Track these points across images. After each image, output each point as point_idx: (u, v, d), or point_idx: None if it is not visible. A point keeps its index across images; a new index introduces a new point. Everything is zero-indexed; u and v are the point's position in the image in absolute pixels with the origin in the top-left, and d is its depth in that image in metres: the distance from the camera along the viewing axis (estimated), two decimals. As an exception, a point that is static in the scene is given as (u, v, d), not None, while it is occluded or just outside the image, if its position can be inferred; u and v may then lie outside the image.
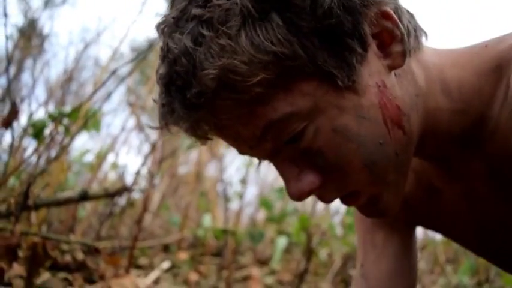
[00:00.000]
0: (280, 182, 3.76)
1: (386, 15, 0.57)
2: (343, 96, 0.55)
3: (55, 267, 1.55)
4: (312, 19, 0.52)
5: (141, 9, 2.21)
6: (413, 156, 0.65)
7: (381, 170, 0.58)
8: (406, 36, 0.58)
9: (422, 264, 2.96)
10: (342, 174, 0.58)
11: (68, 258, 1.65)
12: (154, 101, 0.59)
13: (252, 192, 3.51)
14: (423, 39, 0.65)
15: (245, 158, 3.00)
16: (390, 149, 0.58)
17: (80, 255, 1.69)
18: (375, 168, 0.58)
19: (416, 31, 0.63)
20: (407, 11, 0.63)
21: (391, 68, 0.58)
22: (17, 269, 1.30)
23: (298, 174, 0.58)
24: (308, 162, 0.58)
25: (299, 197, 0.59)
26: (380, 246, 0.84)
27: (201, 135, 0.59)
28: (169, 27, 0.55)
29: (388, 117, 0.57)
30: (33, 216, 1.63)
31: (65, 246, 1.73)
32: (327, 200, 0.62)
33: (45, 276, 1.41)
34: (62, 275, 1.53)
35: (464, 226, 0.76)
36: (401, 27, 0.58)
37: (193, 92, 0.52)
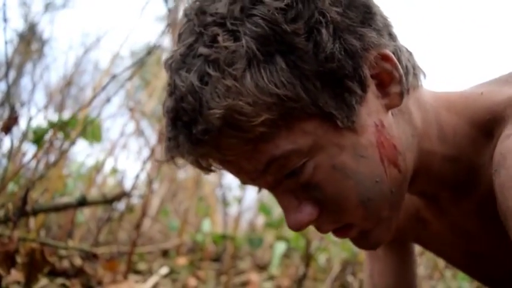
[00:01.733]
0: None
1: (385, 58, 0.59)
2: (342, 135, 0.57)
3: (53, 273, 1.55)
4: (315, 62, 0.54)
5: (141, 13, 2.21)
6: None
7: (375, 206, 0.61)
8: (404, 77, 0.60)
9: (421, 270, 2.95)
10: (339, 209, 0.61)
11: (66, 264, 1.65)
12: (161, 134, 0.61)
13: (250, 197, 3.50)
14: (421, 77, 0.67)
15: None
16: (386, 187, 0.61)
17: (78, 261, 1.69)
18: (370, 204, 0.60)
19: (415, 70, 0.65)
20: (407, 50, 0.65)
21: (388, 107, 0.61)
22: (15, 275, 1.30)
23: (298, 206, 0.61)
24: (307, 194, 0.60)
25: (298, 227, 0.61)
26: (382, 259, 0.89)
27: (205, 168, 0.61)
28: (176, 63, 0.57)
29: (385, 156, 0.59)
30: (32, 222, 1.63)
31: (63, 252, 1.73)
32: (324, 231, 0.65)
33: (43, 282, 1.41)
34: (60, 281, 1.53)
35: (452, 251, 0.79)
36: (400, 68, 0.60)
37: (199, 129, 0.54)
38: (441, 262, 2.78)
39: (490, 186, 0.60)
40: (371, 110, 0.59)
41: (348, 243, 2.44)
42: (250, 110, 0.53)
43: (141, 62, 1.62)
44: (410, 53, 0.66)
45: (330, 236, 2.38)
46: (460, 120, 0.65)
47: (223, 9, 0.55)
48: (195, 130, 0.55)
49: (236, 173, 0.61)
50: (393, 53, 0.60)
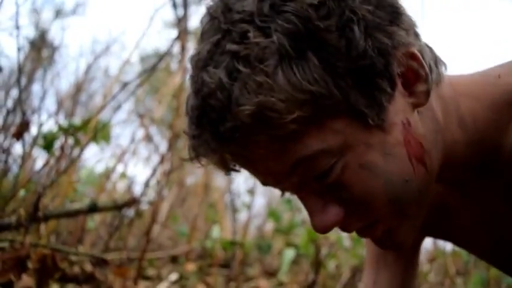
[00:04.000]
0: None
1: (412, 56, 0.59)
2: (371, 134, 0.56)
3: (64, 279, 1.56)
4: (347, 60, 0.53)
5: (150, 21, 2.23)
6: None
7: (404, 205, 0.60)
8: (429, 75, 0.60)
9: (432, 277, 2.93)
10: (366, 208, 0.60)
11: (76, 269, 1.66)
12: (184, 132, 0.59)
13: (259, 203, 3.50)
14: (443, 70, 0.66)
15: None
16: (414, 185, 0.60)
17: (88, 267, 1.69)
18: (399, 203, 0.60)
19: (437, 65, 0.64)
20: (428, 46, 0.65)
21: (414, 106, 0.60)
22: (27, 280, 1.30)
23: (323, 207, 0.60)
24: (333, 195, 0.59)
25: (324, 229, 0.60)
26: (392, 265, 0.87)
27: (228, 168, 0.60)
28: (202, 60, 0.55)
29: (412, 154, 0.59)
30: (42, 227, 1.64)
31: (73, 258, 1.74)
32: (350, 230, 0.63)
33: (54, 288, 1.42)
34: (71, 286, 1.54)
35: (475, 239, 0.78)
36: (426, 67, 0.60)
37: (227, 126, 0.53)
38: (452, 269, 2.75)
39: None
40: (398, 109, 0.58)
41: (357, 249, 2.43)
42: (283, 107, 0.52)
43: (152, 69, 1.63)
44: (431, 48, 0.66)
45: (340, 242, 2.35)
46: (479, 104, 0.65)
47: (251, 6, 0.54)
48: (222, 128, 0.53)
49: (261, 174, 0.60)
50: (419, 52, 0.60)
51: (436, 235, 0.88)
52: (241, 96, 0.52)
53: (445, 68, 0.67)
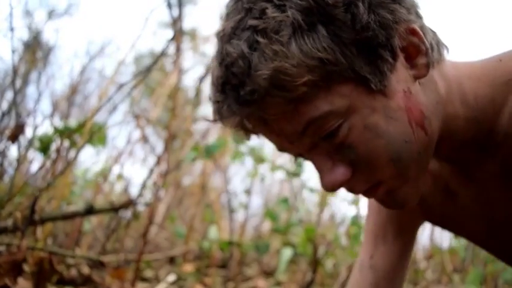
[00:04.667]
0: (285, 192, 3.75)
1: (413, 32, 0.65)
2: (374, 98, 0.63)
3: (61, 282, 1.55)
4: (352, 31, 0.61)
5: (146, 21, 2.22)
6: (432, 158, 0.72)
7: (404, 165, 0.66)
8: (430, 50, 0.67)
9: (429, 274, 2.93)
10: (370, 167, 0.66)
11: (73, 272, 1.65)
12: (210, 98, 0.66)
13: (256, 203, 3.50)
14: (445, 52, 0.73)
15: (249, 169, 2.99)
16: (414, 147, 0.66)
17: (85, 269, 1.69)
18: (400, 163, 0.66)
19: (439, 46, 0.71)
20: (431, 29, 0.71)
21: (416, 77, 0.67)
22: (24, 284, 1.30)
23: (332, 167, 0.66)
24: (341, 156, 0.66)
25: (332, 186, 0.67)
26: (390, 242, 0.93)
27: (249, 130, 0.67)
28: (227, 35, 0.63)
29: (412, 119, 0.65)
30: (39, 230, 1.63)
31: (70, 261, 1.73)
32: (356, 191, 0.70)
33: (51, 291, 1.41)
34: (68, 289, 1.53)
35: (476, 225, 0.83)
36: (426, 42, 0.66)
37: (247, 90, 0.60)
38: (449, 266, 2.76)
39: (511, 148, 0.67)
40: (400, 78, 0.65)
41: (354, 248, 2.43)
42: (295, 71, 0.59)
43: (147, 71, 1.63)
44: (434, 32, 0.72)
45: (337, 241, 2.36)
46: (481, 84, 0.71)
47: None
48: (242, 92, 0.60)
49: (276, 135, 0.66)
50: (420, 29, 0.66)
51: (439, 220, 0.91)
52: (259, 63, 0.59)
53: (447, 50, 0.73)
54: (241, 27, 0.61)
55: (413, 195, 0.71)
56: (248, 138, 0.70)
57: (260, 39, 0.59)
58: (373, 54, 0.62)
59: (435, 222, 0.93)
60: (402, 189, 0.69)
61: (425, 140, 0.67)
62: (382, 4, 0.63)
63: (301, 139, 0.65)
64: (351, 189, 0.70)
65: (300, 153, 0.69)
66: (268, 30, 0.59)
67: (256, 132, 0.68)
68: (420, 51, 0.66)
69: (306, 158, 0.70)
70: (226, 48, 0.62)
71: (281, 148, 0.69)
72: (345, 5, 0.60)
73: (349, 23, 0.60)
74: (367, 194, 0.71)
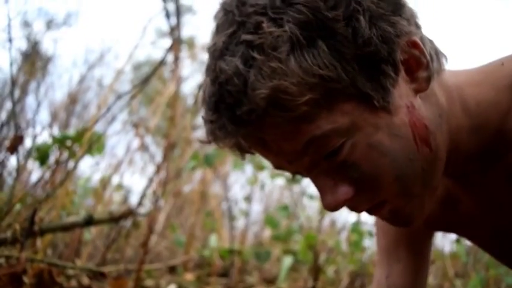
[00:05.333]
0: (285, 199, 3.74)
1: (414, 45, 0.63)
2: (378, 116, 0.61)
3: (61, 293, 1.54)
4: (353, 47, 0.58)
5: (144, 30, 2.23)
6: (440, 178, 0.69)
7: (409, 182, 0.64)
8: (430, 62, 0.65)
9: (431, 279, 2.92)
10: (374, 186, 0.64)
11: (73, 283, 1.64)
12: (202, 117, 0.63)
13: (257, 210, 3.49)
14: (444, 61, 0.70)
15: (249, 176, 2.99)
16: (418, 164, 0.64)
17: (85, 280, 1.68)
18: (404, 180, 0.64)
19: (438, 56, 0.69)
20: (429, 39, 0.69)
21: (417, 91, 0.65)
22: (23, 296, 1.29)
23: (334, 186, 0.64)
24: (343, 175, 0.63)
25: (335, 207, 0.64)
26: (404, 260, 0.91)
27: (244, 150, 0.65)
28: (219, 50, 0.60)
29: (417, 134, 0.63)
30: (38, 241, 1.62)
31: (70, 271, 1.72)
32: (359, 210, 0.68)
33: (51, 302, 1.40)
34: (68, 300, 1.52)
35: (479, 230, 0.82)
36: (427, 54, 0.64)
37: (244, 110, 0.57)
38: (451, 271, 2.75)
39: None
40: (402, 93, 0.63)
41: (355, 255, 2.43)
42: (295, 90, 0.56)
43: (146, 80, 1.63)
44: (432, 41, 0.70)
45: (338, 247, 2.35)
46: (482, 89, 0.69)
47: (264, 0, 0.58)
48: (239, 111, 0.57)
49: (274, 155, 0.63)
50: (420, 41, 0.64)
51: (444, 228, 0.90)
52: (257, 81, 0.56)
53: (446, 60, 0.70)
54: (235, 42, 0.58)
55: (418, 213, 0.68)
56: (243, 158, 0.68)
57: (256, 56, 0.56)
58: (375, 69, 0.60)
59: (441, 230, 0.91)
60: (407, 208, 0.67)
61: (429, 156, 0.65)
62: (383, 17, 0.60)
63: (301, 158, 0.62)
64: (353, 208, 0.67)
65: (298, 172, 0.66)
66: (265, 46, 0.56)
67: (253, 152, 0.65)
68: (421, 64, 0.64)
69: (305, 177, 0.67)
70: (219, 64, 0.59)
71: (279, 167, 0.66)
72: (346, 19, 0.58)
73: (351, 37, 0.58)
74: (371, 212, 0.69)
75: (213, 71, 0.60)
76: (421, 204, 0.68)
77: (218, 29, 0.62)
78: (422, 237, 0.92)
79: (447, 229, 0.90)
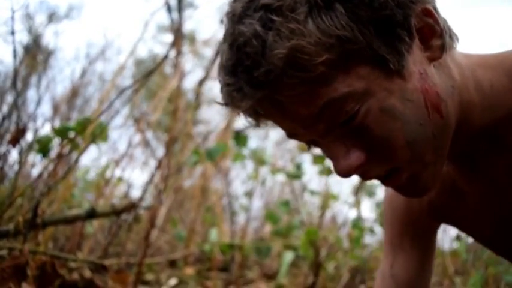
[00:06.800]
0: (286, 195, 3.74)
1: (428, 13, 0.64)
2: (391, 81, 0.61)
3: (63, 286, 1.54)
4: (370, 10, 0.59)
5: (146, 24, 2.22)
6: (449, 146, 0.70)
7: (420, 148, 0.65)
8: (444, 32, 0.66)
9: (430, 276, 2.92)
10: (386, 151, 0.64)
11: (75, 276, 1.65)
12: (219, 81, 0.63)
13: (257, 206, 3.49)
14: (456, 40, 0.71)
15: (250, 172, 2.99)
16: (429, 130, 0.64)
17: (87, 273, 1.68)
18: (415, 145, 0.64)
19: (450, 32, 0.69)
20: (442, 16, 0.70)
21: (431, 59, 0.65)
22: (26, 288, 1.29)
23: (346, 152, 0.64)
24: (355, 140, 0.64)
25: (347, 172, 0.64)
26: (408, 250, 0.92)
27: (260, 116, 0.64)
28: (238, 15, 0.60)
29: (428, 101, 0.64)
30: (40, 234, 1.63)
31: (72, 264, 1.73)
32: (370, 176, 0.68)
33: (53, 295, 1.40)
34: (70, 293, 1.52)
35: (483, 222, 0.82)
36: (441, 23, 0.65)
37: (262, 71, 0.57)
38: (450, 268, 2.75)
39: None
40: (416, 60, 0.63)
41: (356, 250, 2.43)
42: (312, 50, 0.57)
43: (148, 75, 1.63)
44: (445, 19, 0.70)
45: (339, 243, 2.34)
46: (496, 73, 0.70)
47: None
48: (256, 73, 0.58)
49: (290, 120, 0.63)
50: (434, 10, 0.65)
51: (449, 219, 0.90)
52: (275, 42, 0.57)
53: (457, 39, 0.71)
54: (253, 7, 0.59)
55: (432, 181, 0.69)
56: (258, 125, 0.67)
57: (275, 18, 0.57)
58: (390, 33, 0.61)
59: (447, 222, 0.92)
60: (423, 174, 0.67)
61: (440, 123, 0.65)
62: None
63: (316, 124, 0.62)
64: (366, 175, 0.68)
65: (312, 139, 0.67)
66: (284, 9, 0.57)
67: (267, 118, 0.65)
68: (435, 32, 0.65)
69: (317, 145, 0.68)
70: (238, 28, 0.59)
71: (292, 135, 0.67)
72: None
73: (367, 1, 0.59)
74: (388, 181, 0.69)
75: (231, 35, 0.60)
76: (435, 173, 0.68)
77: None
78: (427, 231, 0.93)
79: (452, 221, 0.90)
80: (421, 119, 0.63)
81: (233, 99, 0.61)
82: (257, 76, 0.58)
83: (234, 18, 0.60)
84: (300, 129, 0.64)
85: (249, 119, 0.66)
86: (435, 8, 0.66)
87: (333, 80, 0.59)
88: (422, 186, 0.68)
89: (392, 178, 0.67)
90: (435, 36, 0.65)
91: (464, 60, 0.71)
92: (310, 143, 0.68)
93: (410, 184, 0.68)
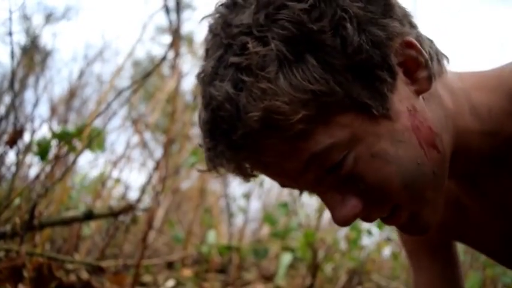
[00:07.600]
0: (284, 197, 3.74)
1: (409, 45, 0.61)
2: (378, 124, 0.58)
3: (60, 287, 1.54)
4: (344, 56, 0.56)
5: (144, 26, 2.22)
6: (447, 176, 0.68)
7: (420, 188, 0.62)
8: (429, 61, 0.62)
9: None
10: (382, 196, 0.61)
11: (73, 277, 1.64)
12: (200, 145, 0.62)
13: (255, 207, 3.49)
14: (445, 62, 0.68)
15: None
16: (428, 168, 0.62)
17: (84, 275, 1.68)
18: (415, 186, 0.61)
19: (438, 56, 0.66)
20: (427, 38, 0.67)
21: (418, 92, 0.62)
22: (23, 290, 1.29)
23: (342, 201, 0.62)
24: (349, 188, 0.61)
25: (345, 222, 0.62)
26: (427, 268, 0.91)
27: (246, 174, 0.63)
28: (208, 76, 0.59)
29: (422, 138, 0.61)
30: (37, 236, 1.62)
31: (69, 266, 1.72)
32: (371, 220, 0.65)
33: (50, 297, 1.40)
34: (67, 295, 1.52)
35: (488, 236, 0.80)
36: (424, 54, 0.61)
37: (239, 134, 0.56)
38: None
39: None
40: (402, 97, 0.60)
41: (353, 252, 2.43)
42: (288, 109, 0.55)
43: (146, 76, 1.62)
44: (431, 41, 0.67)
45: (336, 245, 2.34)
46: (494, 96, 0.66)
47: (248, 19, 0.57)
48: (234, 136, 0.56)
49: (277, 175, 0.62)
50: (416, 40, 0.62)
51: (454, 235, 0.89)
52: (248, 104, 0.55)
53: (447, 61, 0.68)
54: (223, 66, 0.57)
55: (434, 218, 0.67)
56: (249, 181, 0.65)
57: (245, 78, 0.55)
58: (370, 77, 0.57)
59: (452, 237, 0.90)
60: (424, 212, 0.65)
61: (438, 159, 0.62)
62: (372, 21, 0.58)
63: (304, 176, 0.60)
64: (368, 219, 0.65)
65: (305, 189, 0.65)
66: (253, 67, 0.55)
67: (256, 174, 0.63)
68: (419, 64, 0.61)
69: (313, 194, 0.65)
70: (209, 91, 0.57)
71: (284, 186, 0.65)
72: (332, 29, 0.55)
73: (340, 47, 0.55)
74: (388, 221, 0.66)
75: (204, 98, 0.59)
76: (435, 208, 0.66)
77: (207, 53, 0.61)
78: (442, 245, 0.91)
79: (457, 236, 0.89)
80: (417, 158, 0.60)
81: (216, 163, 0.60)
82: (235, 139, 0.56)
83: (206, 80, 0.59)
84: (290, 182, 0.63)
85: (238, 177, 0.64)
86: (418, 37, 0.63)
87: (314, 134, 0.57)
88: (423, 224, 0.66)
89: (394, 217, 0.65)
90: (420, 68, 0.61)
91: (458, 83, 0.67)
92: (305, 191, 0.66)
93: (413, 223, 0.66)
